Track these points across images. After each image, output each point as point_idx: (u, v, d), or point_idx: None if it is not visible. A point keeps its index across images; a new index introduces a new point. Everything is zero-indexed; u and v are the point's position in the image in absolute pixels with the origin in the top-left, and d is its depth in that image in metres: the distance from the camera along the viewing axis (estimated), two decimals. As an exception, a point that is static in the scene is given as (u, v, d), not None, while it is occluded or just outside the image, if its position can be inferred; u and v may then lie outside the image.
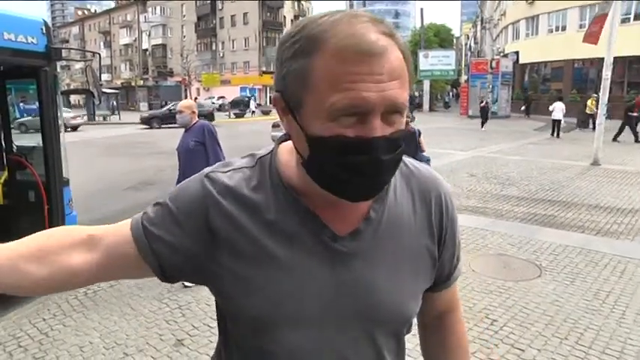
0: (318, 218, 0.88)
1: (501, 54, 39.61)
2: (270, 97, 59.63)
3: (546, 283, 4.80)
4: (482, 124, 23.80)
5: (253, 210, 0.88)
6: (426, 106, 43.14)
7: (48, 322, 4.06)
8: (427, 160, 7.54)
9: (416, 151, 7.10)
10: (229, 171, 0.92)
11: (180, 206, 0.89)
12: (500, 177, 10.73)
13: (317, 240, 0.88)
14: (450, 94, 46.36)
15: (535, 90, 35.21)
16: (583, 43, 13.01)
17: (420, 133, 6.94)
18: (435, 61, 41.28)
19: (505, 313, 4.13)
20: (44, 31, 4.66)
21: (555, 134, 19.72)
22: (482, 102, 24.37)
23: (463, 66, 65.13)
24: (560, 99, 21.33)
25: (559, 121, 19.55)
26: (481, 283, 4.80)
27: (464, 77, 54.01)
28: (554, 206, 8.02)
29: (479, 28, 58.62)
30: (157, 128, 29.27)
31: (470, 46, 67.14)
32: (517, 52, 38.01)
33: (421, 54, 41.97)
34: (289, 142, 0.91)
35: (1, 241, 3.23)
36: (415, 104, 44.09)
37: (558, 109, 19.55)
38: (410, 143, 7.44)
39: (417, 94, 53.76)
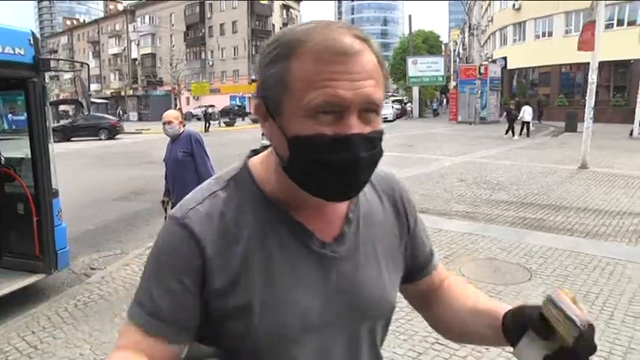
0: (305, 227, 0.90)
1: (489, 60, 39.96)
2: (204, 106, 59.72)
3: (536, 286, 4.84)
4: (509, 131, 21.83)
5: (242, 233, 0.87)
6: (415, 112, 43.28)
7: (37, 335, 4.03)
8: None
9: None
10: (204, 200, 0.89)
11: (174, 274, 0.85)
12: (490, 182, 10.80)
13: (307, 250, 0.90)
14: (438, 101, 46.48)
15: (523, 95, 35.49)
16: (579, 51, 13.13)
17: None
18: (424, 68, 41.48)
19: (495, 317, 4.15)
20: (32, 42, 4.66)
21: (526, 134, 21.99)
22: (508, 110, 22.78)
23: (452, 72, 65.64)
24: (527, 103, 23.87)
25: (528, 122, 22.26)
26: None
27: (453, 83, 54.39)
28: (543, 210, 8.09)
29: (467, 34, 59.10)
30: (65, 141, 25.59)
31: (458, 52, 67.72)
32: (505, 58, 38.42)
33: (410, 60, 42.17)
34: (258, 157, 0.96)
35: None
36: (402, 109, 44.42)
37: (527, 112, 22.10)
38: None
39: (405, 100, 54.07)
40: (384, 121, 32.43)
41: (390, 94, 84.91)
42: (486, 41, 46.96)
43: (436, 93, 52.60)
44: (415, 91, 43.19)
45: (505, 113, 20.63)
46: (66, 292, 5.02)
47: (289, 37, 0.80)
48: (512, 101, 23.63)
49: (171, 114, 5.00)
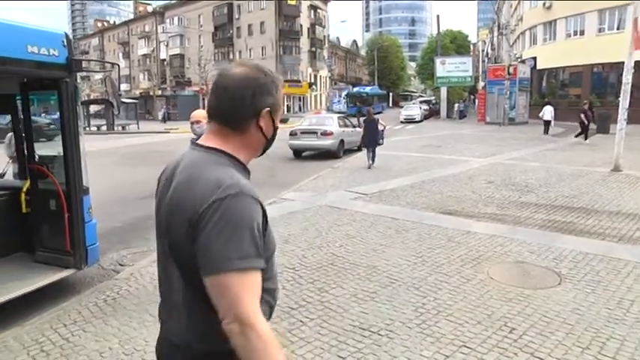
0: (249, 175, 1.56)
1: (519, 60, 39.21)
2: (287, 105, 59.84)
3: (566, 291, 4.73)
4: (581, 134, 20.44)
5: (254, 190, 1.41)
6: (443, 113, 42.81)
7: (69, 328, 4.11)
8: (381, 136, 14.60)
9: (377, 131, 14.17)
10: (241, 178, 1.39)
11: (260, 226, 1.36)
12: (519, 184, 10.61)
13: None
14: (465, 102, 45.50)
15: (553, 96, 34.78)
16: (637, 50, 12.56)
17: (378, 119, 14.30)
18: (452, 68, 41.10)
19: (524, 321, 4.07)
20: (65, 44, 4.76)
21: (545, 133, 23.71)
22: (584, 110, 21.35)
23: (480, 72, 64.74)
24: (549, 103, 25.64)
25: (549, 121, 24.11)
26: (500, 290, 4.74)
27: (481, 84, 53.66)
28: (573, 213, 7.91)
29: (495, 34, 58.18)
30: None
31: (487, 52, 66.65)
32: (535, 58, 37.66)
33: (438, 61, 41.84)
34: (213, 146, 1.47)
35: (21, 248, 3.38)
36: (430, 110, 43.66)
37: (548, 112, 24.18)
38: (373, 126, 14.19)
39: (434, 100, 53.55)
40: (412, 122, 32.19)
41: (417, 94, 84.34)
42: (515, 41, 46.15)
43: (464, 93, 51.98)
44: (443, 91, 42.79)
45: (582, 115, 20.00)
46: (96, 287, 5.12)
47: (277, 76, 1.57)
48: (586, 101, 23.10)
49: (199, 113, 5.02)
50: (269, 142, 1.54)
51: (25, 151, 5.64)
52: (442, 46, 47.33)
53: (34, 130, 5.49)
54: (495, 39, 59.36)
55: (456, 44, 61.43)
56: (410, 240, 6.52)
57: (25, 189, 5.46)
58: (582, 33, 33.19)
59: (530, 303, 4.43)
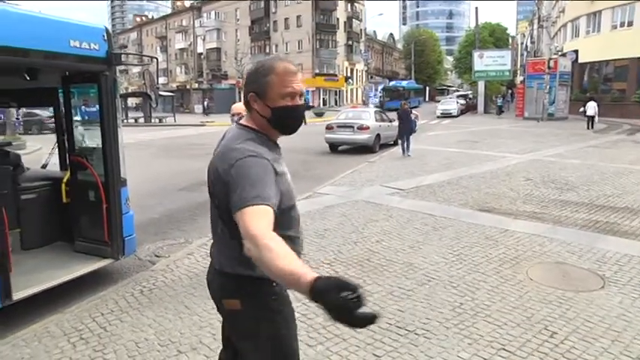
0: (278, 145, 2.05)
1: (559, 53, 38.05)
2: (323, 99, 59.89)
3: (611, 295, 4.53)
4: None
5: (269, 154, 1.87)
6: (480, 108, 41.99)
7: (106, 317, 4.18)
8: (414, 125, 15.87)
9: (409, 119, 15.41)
10: (255, 145, 1.88)
11: (269, 177, 1.80)
12: (559, 181, 10.30)
13: (281, 158, 2.01)
14: (504, 97, 44.21)
15: (595, 90, 33.63)
16: None
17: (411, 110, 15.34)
18: (490, 62, 40.30)
19: (566, 325, 3.91)
20: (105, 38, 4.84)
21: (590, 127, 24.08)
22: None
23: (519, 66, 63.21)
24: (592, 99, 26.14)
25: (592, 117, 24.43)
26: (539, 292, 4.59)
27: (520, 78, 52.42)
28: (617, 213, 7.61)
29: (535, 26, 56.64)
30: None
31: (526, 45, 65.01)
32: (576, 51, 36.44)
33: (476, 54, 41.06)
34: (243, 122, 2.02)
35: (61, 237, 3.46)
36: (467, 105, 42.81)
37: (591, 108, 24.49)
38: (406, 117, 15.56)
39: (470, 95, 52.59)
40: (449, 117, 31.82)
41: (454, 88, 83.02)
42: (556, 33, 44.81)
43: (502, 88, 50.87)
44: (481, 85, 41.99)
45: None
46: (132, 278, 5.19)
47: (268, 65, 1.92)
48: None
49: (239, 106, 5.00)
50: (272, 119, 1.94)
51: (66, 143, 5.78)
52: (480, 40, 46.34)
53: (37, 123, 5.59)
54: (535, 32, 57.82)
55: (494, 37, 60.02)
56: (447, 237, 6.40)
57: (65, 180, 5.58)
58: (630, 24, 31.83)
59: (572, 306, 4.26)
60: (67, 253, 5.35)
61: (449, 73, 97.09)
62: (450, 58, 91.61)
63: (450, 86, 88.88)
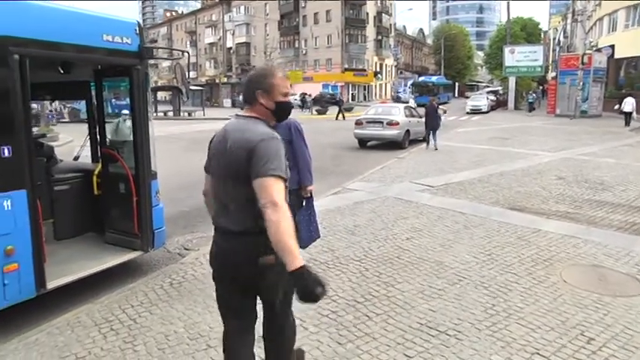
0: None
1: (594, 48, 36.97)
2: (352, 94, 59.66)
3: (651, 300, 4.36)
4: None
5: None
6: (510, 104, 41.17)
7: (136, 309, 4.22)
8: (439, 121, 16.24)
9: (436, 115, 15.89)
10: (269, 128, 2.44)
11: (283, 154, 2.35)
12: (592, 181, 10.01)
13: None
14: (535, 93, 43.05)
15: (632, 87, 32.56)
16: None
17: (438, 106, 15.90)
18: (521, 57, 39.44)
19: (604, 331, 3.77)
20: (137, 32, 4.89)
21: (626, 125, 23.50)
22: None
23: (551, 62, 61.79)
24: (630, 95, 25.45)
25: (630, 113, 23.93)
26: (574, 295, 4.45)
27: (551, 74, 51.24)
28: (656, 214, 7.35)
29: (569, 20, 55.17)
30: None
31: (559, 40, 63.37)
32: (612, 46, 35.29)
33: (507, 49, 40.27)
34: (252, 113, 2.51)
35: (92, 228, 3.56)
36: (497, 100, 42.00)
37: (629, 104, 24.08)
38: (433, 112, 15.97)
39: (501, 91, 51.67)
40: (479, 113, 31.32)
41: (484, 84, 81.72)
42: (591, 28, 43.55)
43: (533, 84, 49.80)
44: (512, 81, 41.15)
45: None
46: (162, 270, 5.23)
47: (270, 71, 2.55)
48: None
49: None
50: (275, 111, 2.52)
51: (98, 136, 5.85)
52: (511, 35, 45.39)
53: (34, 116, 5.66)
54: (569, 26, 56.34)
55: (526, 32, 58.74)
56: (478, 236, 6.28)
57: (96, 172, 5.66)
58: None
59: (610, 312, 4.11)
60: (97, 244, 5.43)
61: (479, 68, 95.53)
62: (481, 54, 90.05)
63: (479, 82, 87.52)
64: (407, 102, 29.23)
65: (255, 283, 2.44)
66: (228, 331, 2.66)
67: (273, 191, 2.17)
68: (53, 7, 4.28)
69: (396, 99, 45.72)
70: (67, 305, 4.36)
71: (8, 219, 3.85)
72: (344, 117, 31.42)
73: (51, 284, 4.27)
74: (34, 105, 16.94)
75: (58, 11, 4.28)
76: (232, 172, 2.37)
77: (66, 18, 4.33)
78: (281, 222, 2.09)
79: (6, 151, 3.83)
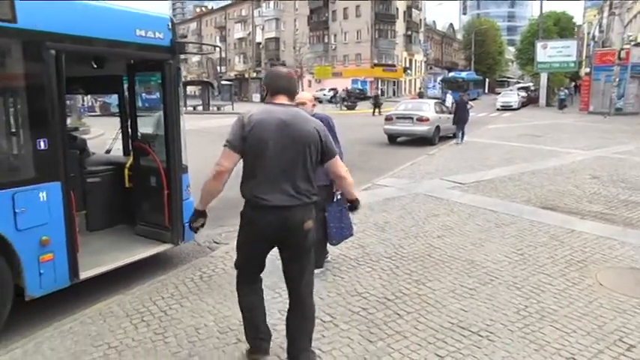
0: None
1: (632, 43, 35.78)
2: (381, 89, 59.27)
3: (695, 306, 4.18)
4: None
5: None
6: (542, 101, 40.30)
7: (166, 301, 4.26)
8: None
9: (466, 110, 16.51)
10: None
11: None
12: (629, 180, 9.72)
13: None
14: (567, 90, 41.75)
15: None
16: None
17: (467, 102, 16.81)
18: (554, 52, 38.57)
19: (645, 337, 3.64)
20: (170, 27, 4.93)
21: None
22: None
23: (584, 57, 60.21)
24: None
25: None
26: (611, 299, 4.31)
27: (585, 69, 49.92)
28: (698, 217, 7.09)
29: (606, 14, 53.56)
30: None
31: (593, 35, 61.64)
32: (653, 41, 34.16)
33: (539, 45, 39.42)
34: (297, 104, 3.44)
35: (123, 221, 3.65)
36: (528, 97, 41.25)
37: None
38: (463, 107, 16.64)
39: (532, 87, 50.60)
40: (509, 109, 30.88)
41: (514, 80, 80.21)
42: (630, 21, 42.19)
43: (566, 80, 48.63)
44: (543, 77, 40.28)
45: None
46: (192, 263, 5.27)
47: (275, 73, 3.16)
48: None
49: (305, 95, 4.93)
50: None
51: (130, 130, 5.92)
52: (544, 29, 44.35)
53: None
54: (605, 20, 54.76)
55: (559, 27, 57.16)
56: (509, 235, 6.16)
57: (128, 165, 5.73)
58: None
59: (651, 316, 3.96)
60: (128, 236, 5.50)
61: (509, 64, 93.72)
62: (512, 49, 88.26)
63: (510, 78, 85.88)
64: (438, 98, 28.70)
65: (300, 244, 2.95)
66: (251, 285, 3.21)
67: (342, 164, 3.07)
68: (88, 3, 4.33)
69: (420, 95, 45.09)
70: (99, 295, 4.44)
71: (44, 210, 3.93)
72: (380, 112, 31.21)
73: (84, 274, 4.35)
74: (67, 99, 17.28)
75: (92, 7, 4.34)
76: (301, 154, 2.85)
77: (100, 14, 4.38)
78: (352, 184, 3.16)
79: (42, 144, 3.91)
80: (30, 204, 3.83)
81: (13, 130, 4.00)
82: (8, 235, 3.70)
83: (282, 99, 2.97)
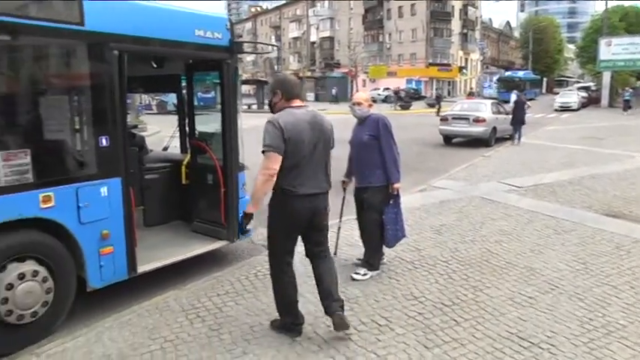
0: None
1: None
2: (435, 89, 58.45)
3: None
4: None
5: None
6: (604, 101, 38.45)
7: (221, 298, 4.32)
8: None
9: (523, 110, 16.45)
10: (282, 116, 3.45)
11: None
12: None
13: None
14: (633, 89, 39.27)
15: None
16: None
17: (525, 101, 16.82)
18: (620, 50, 36.60)
19: None
20: (228, 27, 4.99)
21: None
22: None
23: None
24: None
25: None
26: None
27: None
28: None
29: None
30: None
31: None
32: None
33: (602, 42, 37.52)
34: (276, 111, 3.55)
35: (180, 217, 3.69)
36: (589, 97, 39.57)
37: None
38: (521, 107, 16.54)
39: (593, 87, 48.38)
40: (568, 110, 29.67)
41: (574, 80, 77.04)
42: None
43: (631, 79, 46.19)
44: (606, 76, 38.35)
45: None
46: (247, 261, 5.32)
47: (287, 79, 3.71)
48: None
49: (361, 96, 4.91)
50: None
51: (187, 128, 6.05)
52: (608, 26, 42.27)
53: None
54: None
55: (626, 22, 53.95)
56: (570, 243, 5.90)
57: (185, 162, 5.85)
58: None
59: None
60: (184, 233, 5.61)
61: (569, 62, 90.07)
62: (572, 47, 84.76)
63: (569, 77, 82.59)
64: (495, 98, 27.77)
65: (324, 224, 3.61)
66: (290, 266, 3.59)
67: None
68: (149, 5, 4.46)
69: (469, 94, 43.93)
70: (156, 290, 4.55)
71: (104, 205, 4.07)
72: (439, 113, 30.75)
73: (141, 268, 4.47)
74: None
75: (153, 9, 4.47)
76: (328, 149, 3.53)
77: (160, 15, 4.51)
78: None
79: (104, 141, 4.05)
80: (92, 199, 3.96)
81: (77, 127, 4.17)
82: (72, 228, 3.85)
83: (297, 102, 3.48)
